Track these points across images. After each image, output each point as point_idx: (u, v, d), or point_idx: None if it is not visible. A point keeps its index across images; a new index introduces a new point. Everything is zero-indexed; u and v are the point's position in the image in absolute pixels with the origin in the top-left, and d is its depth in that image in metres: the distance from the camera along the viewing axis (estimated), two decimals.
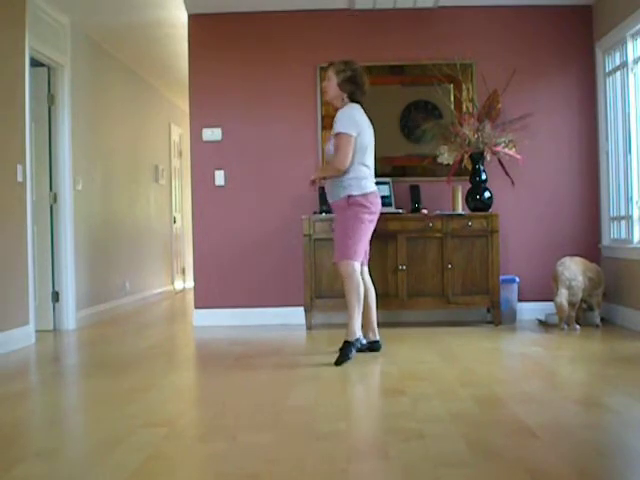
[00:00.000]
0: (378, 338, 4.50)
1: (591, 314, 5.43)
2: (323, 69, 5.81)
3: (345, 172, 4.27)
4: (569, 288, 5.19)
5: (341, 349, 4.21)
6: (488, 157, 5.63)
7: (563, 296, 5.17)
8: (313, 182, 4.46)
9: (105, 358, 4.67)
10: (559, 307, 5.18)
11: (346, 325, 4.32)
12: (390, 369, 3.95)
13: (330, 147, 4.40)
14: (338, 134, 4.27)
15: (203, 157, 6.04)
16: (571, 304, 5.22)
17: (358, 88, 4.37)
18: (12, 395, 3.59)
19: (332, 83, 4.38)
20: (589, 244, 5.91)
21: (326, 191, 4.49)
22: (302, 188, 5.70)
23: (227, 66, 6.04)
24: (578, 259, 5.36)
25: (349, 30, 5.94)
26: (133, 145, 7.87)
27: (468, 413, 2.99)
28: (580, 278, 5.22)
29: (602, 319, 5.49)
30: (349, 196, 4.29)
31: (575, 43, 5.97)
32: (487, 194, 5.68)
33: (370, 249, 4.56)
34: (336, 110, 4.42)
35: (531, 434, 2.66)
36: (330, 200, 4.44)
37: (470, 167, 5.72)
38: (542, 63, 5.97)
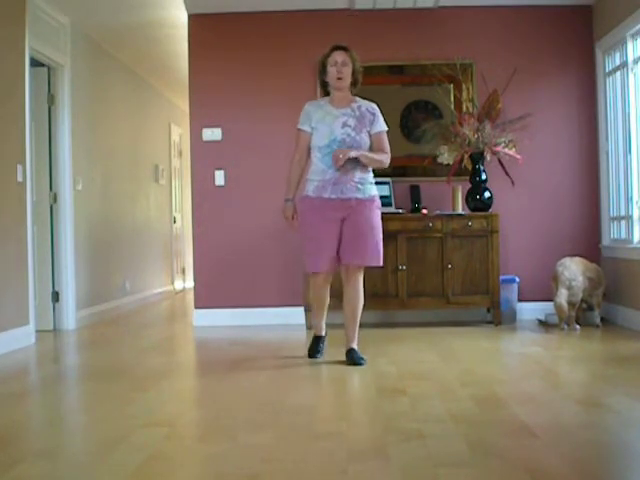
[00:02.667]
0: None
1: (591, 314, 5.43)
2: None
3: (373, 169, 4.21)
4: (569, 288, 5.19)
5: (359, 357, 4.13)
6: (488, 157, 5.63)
7: (563, 296, 5.17)
8: (346, 159, 3.99)
9: (105, 358, 4.67)
10: (559, 307, 5.18)
11: (352, 331, 4.21)
12: (390, 369, 3.95)
13: (365, 139, 4.11)
14: (383, 132, 4.18)
15: (203, 157, 6.04)
16: (571, 304, 5.21)
17: (359, 80, 4.21)
18: (12, 395, 3.59)
19: (350, 69, 4.13)
20: (589, 244, 5.91)
21: (342, 182, 4.05)
22: (302, 188, 5.68)
23: (227, 66, 6.04)
24: (578, 259, 5.36)
25: (349, 30, 5.93)
26: (133, 145, 7.87)
27: (468, 413, 2.99)
28: (580, 278, 5.22)
29: (602, 319, 5.49)
30: (376, 196, 4.18)
31: (575, 43, 5.97)
32: (487, 194, 5.68)
33: None
34: (327, 95, 4.24)
35: (531, 434, 2.65)
36: (351, 195, 4.07)
37: (470, 167, 5.72)
38: (542, 63, 5.97)
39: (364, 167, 4.11)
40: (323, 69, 4.20)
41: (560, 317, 5.23)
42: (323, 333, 4.38)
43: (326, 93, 4.27)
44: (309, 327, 5.62)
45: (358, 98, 4.23)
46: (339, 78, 4.11)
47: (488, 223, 5.58)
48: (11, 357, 4.66)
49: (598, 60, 5.85)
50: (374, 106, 4.21)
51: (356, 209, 4.08)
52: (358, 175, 4.09)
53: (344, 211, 4.08)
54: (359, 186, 4.08)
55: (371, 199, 4.13)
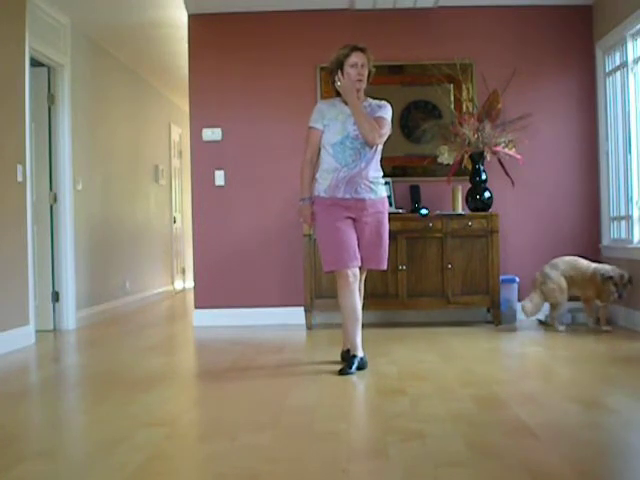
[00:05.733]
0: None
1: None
2: (323, 69, 5.82)
3: (378, 166, 4.05)
4: (544, 293, 5.30)
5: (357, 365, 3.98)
6: (488, 157, 5.63)
7: (530, 299, 5.30)
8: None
9: (105, 358, 4.67)
10: (522, 308, 5.31)
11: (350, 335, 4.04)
12: (390, 369, 3.95)
13: (354, 128, 3.96)
14: (383, 118, 4.00)
15: (203, 157, 6.04)
16: (553, 306, 5.34)
17: (369, 81, 4.10)
18: (12, 395, 3.59)
19: (367, 71, 4.01)
20: (589, 244, 5.91)
21: (355, 181, 3.95)
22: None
23: (227, 66, 6.04)
24: (559, 260, 5.37)
25: (349, 30, 5.93)
26: (133, 145, 7.87)
27: (468, 413, 2.99)
28: (556, 280, 5.26)
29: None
30: (386, 197, 4.09)
31: (575, 43, 5.97)
32: (487, 194, 5.68)
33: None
34: (334, 96, 4.11)
35: (531, 434, 2.66)
36: (365, 195, 3.97)
37: (470, 167, 5.72)
38: (542, 63, 5.97)
39: (377, 166, 4.05)
40: (339, 67, 4.03)
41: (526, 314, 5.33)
42: (359, 353, 3.98)
43: (337, 92, 4.11)
44: (309, 327, 5.62)
45: (369, 98, 4.13)
46: (359, 80, 4.00)
47: (488, 223, 5.58)
48: (11, 357, 4.66)
49: (598, 60, 5.85)
50: (384, 102, 4.11)
51: (369, 211, 4.00)
52: (371, 174, 4.00)
53: (357, 211, 3.98)
54: (372, 186, 4.00)
55: (382, 200, 4.06)
